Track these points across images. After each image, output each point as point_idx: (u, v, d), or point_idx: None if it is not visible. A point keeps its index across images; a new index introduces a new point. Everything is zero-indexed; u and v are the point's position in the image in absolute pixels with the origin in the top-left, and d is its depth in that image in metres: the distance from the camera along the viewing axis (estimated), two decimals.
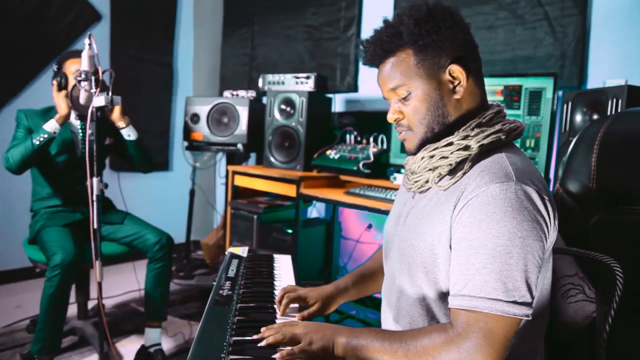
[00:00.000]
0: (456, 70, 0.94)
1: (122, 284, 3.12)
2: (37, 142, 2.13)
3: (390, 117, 1.02)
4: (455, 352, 0.81)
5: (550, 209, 0.87)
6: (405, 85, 0.97)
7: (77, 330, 2.42)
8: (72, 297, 2.60)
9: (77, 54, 2.26)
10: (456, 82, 0.95)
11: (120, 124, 2.32)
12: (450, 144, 0.94)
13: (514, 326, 0.82)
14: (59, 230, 2.18)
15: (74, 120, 2.35)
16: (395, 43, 0.96)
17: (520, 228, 0.82)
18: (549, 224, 0.86)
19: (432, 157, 0.97)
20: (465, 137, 0.93)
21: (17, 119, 2.29)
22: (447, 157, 0.94)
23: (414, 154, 1.02)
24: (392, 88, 0.99)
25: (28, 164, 2.18)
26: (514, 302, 0.80)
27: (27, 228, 2.36)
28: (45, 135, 2.13)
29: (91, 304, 2.60)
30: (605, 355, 0.91)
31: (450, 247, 0.90)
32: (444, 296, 0.93)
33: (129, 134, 2.34)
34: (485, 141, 0.92)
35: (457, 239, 0.87)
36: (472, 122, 0.95)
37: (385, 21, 1.01)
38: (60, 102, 2.18)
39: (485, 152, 0.93)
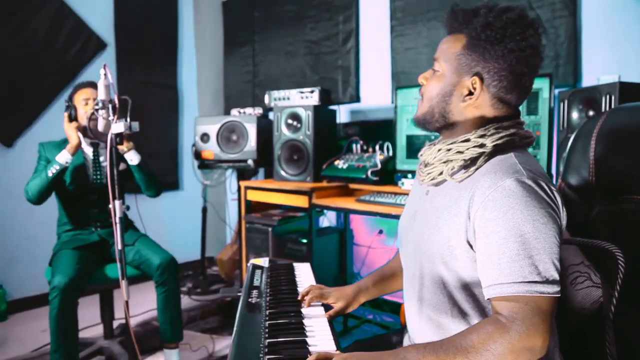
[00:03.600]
0: (476, 83, 1.02)
1: (142, 302, 3.19)
2: (51, 174, 2.23)
3: (420, 78, 1.13)
4: (512, 335, 0.85)
5: (558, 197, 0.96)
6: (440, 62, 1.07)
7: (104, 350, 2.49)
8: (97, 318, 2.69)
9: (84, 84, 2.40)
10: (469, 93, 1.03)
11: (123, 148, 2.39)
12: (467, 140, 1.03)
13: (553, 304, 0.89)
14: (69, 253, 2.26)
15: (87, 147, 2.43)
16: (462, 26, 1.05)
17: (540, 215, 0.90)
18: (560, 210, 0.95)
19: (448, 150, 1.05)
20: (482, 136, 1.02)
21: (38, 152, 2.40)
22: (462, 152, 1.02)
23: (416, 124, 1.13)
24: (435, 57, 1.09)
25: (46, 195, 2.29)
26: (547, 282, 0.88)
27: (47, 254, 2.44)
28: (57, 167, 2.24)
29: (116, 324, 2.67)
30: (613, 334, 0.98)
31: (468, 242, 0.97)
32: (464, 284, 1.00)
33: (131, 158, 2.42)
34: (499, 141, 1.00)
35: (484, 232, 0.93)
36: (491, 126, 1.03)
37: (475, 6, 1.05)
38: (71, 132, 2.28)
39: (497, 151, 1.01)
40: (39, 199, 2.28)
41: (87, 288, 2.35)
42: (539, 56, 1.02)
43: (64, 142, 2.42)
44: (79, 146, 2.30)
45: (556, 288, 0.88)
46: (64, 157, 2.25)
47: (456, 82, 1.04)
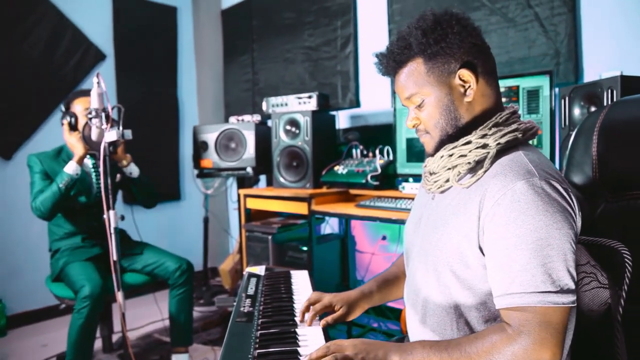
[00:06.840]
0: (465, 74, 0.98)
1: (144, 315, 3.15)
2: (63, 187, 2.18)
3: (409, 124, 1.07)
4: (517, 348, 0.82)
5: (573, 198, 0.90)
6: (418, 93, 1.02)
7: None
8: (97, 332, 2.64)
9: (83, 93, 2.33)
10: (467, 86, 0.99)
11: (123, 162, 2.39)
12: (469, 142, 0.98)
13: (566, 315, 0.84)
14: (83, 265, 2.22)
15: (86, 159, 2.39)
16: (406, 54, 1.01)
17: (554, 219, 0.85)
18: (575, 212, 0.90)
19: (450, 156, 1.00)
20: (483, 136, 0.97)
21: (30, 164, 2.30)
22: (465, 156, 0.98)
23: (432, 155, 1.07)
24: (407, 97, 1.04)
25: (58, 209, 2.24)
26: (562, 292, 0.82)
27: (47, 268, 2.40)
28: (68, 179, 2.19)
29: (115, 337, 2.63)
30: (622, 337, 0.92)
31: (480, 248, 0.92)
32: (473, 294, 0.94)
33: (130, 171, 2.40)
34: (502, 140, 0.96)
35: (493, 239, 0.88)
36: (490, 122, 0.99)
37: (398, 33, 1.05)
38: (75, 142, 2.23)
39: (503, 150, 0.96)
40: (52, 214, 2.23)
41: None
42: (473, 26, 1.02)
43: (58, 153, 2.38)
44: (85, 156, 2.26)
45: (571, 297, 0.83)
46: (73, 169, 2.21)
47: (448, 89, 1.00)
